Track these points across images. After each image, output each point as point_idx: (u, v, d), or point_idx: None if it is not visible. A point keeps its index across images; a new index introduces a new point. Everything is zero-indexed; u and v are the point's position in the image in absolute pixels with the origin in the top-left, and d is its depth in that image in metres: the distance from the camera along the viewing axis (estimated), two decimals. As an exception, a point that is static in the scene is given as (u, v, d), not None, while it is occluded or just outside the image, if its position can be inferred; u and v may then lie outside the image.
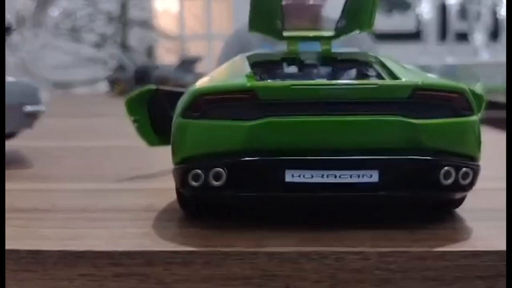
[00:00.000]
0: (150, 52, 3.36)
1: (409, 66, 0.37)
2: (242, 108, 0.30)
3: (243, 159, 0.29)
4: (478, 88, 1.15)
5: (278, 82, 0.31)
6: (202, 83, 0.33)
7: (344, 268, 0.28)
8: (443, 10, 1.68)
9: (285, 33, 0.40)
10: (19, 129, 0.53)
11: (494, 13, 1.52)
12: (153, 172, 0.48)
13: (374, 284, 0.28)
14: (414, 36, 3.63)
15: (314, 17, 1.92)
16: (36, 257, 0.29)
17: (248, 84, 0.30)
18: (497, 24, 1.53)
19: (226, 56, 2.18)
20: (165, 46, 3.57)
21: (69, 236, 0.31)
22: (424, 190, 0.30)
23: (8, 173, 0.49)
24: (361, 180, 0.29)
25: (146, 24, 3.35)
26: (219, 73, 0.36)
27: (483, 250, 0.28)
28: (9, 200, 0.40)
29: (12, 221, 0.35)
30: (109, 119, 0.99)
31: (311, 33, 0.41)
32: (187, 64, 1.71)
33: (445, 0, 1.56)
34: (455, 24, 1.58)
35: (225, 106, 0.30)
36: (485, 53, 1.47)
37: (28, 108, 0.53)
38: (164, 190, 0.41)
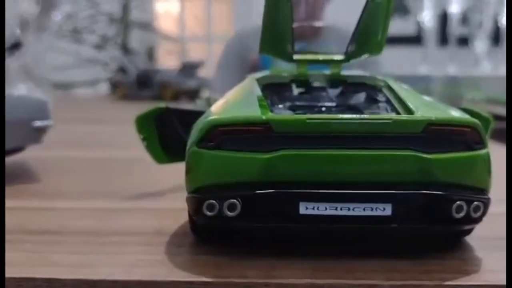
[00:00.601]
0: (150, 53, 3.37)
1: (415, 92, 0.37)
2: (257, 140, 0.30)
3: (258, 191, 0.29)
4: (480, 95, 1.15)
5: (294, 116, 0.32)
6: (216, 111, 0.33)
7: (357, 300, 0.28)
8: (444, 18, 1.69)
9: (295, 56, 0.41)
10: (27, 144, 0.54)
11: (496, 22, 1.52)
12: (161, 189, 0.49)
13: (386, 317, 0.28)
14: (415, 40, 3.64)
15: (313, 35, 1.98)
16: (52, 286, 0.29)
17: (264, 117, 0.30)
18: (499, 33, 1.53)
19: (226, 57, 2.19)
20: (166, 48, 3.57)
21: (81, 262, 0.32)
22: (436, 223, 0.30)
23: (15, 188, 0.50)
24: (374, 213, 0.29)
25: (147, 26, 3.35)
26: (232, 98, 0.37)
27: (492, 284, 0.29)
28: (19, 220, 0.40)
29: (23, 245, 0.35)
30: (114, 126, 0.99)
31: (321, 57, 0.42)
32: (189, 69, 1.71)
33: (447, 9, 1.56)
34: (457, 30, 1.58)
35: (240, 137, 0.30)
36: (486, 62, 1.48)
37: (37, 123, 0.53)
38: (173, 211, 0.41)
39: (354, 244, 0.33)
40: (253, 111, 0.31)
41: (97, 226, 0.39)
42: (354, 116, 0.31)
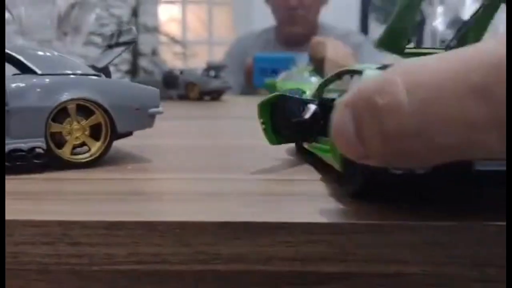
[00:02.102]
0: (156, 56, 3.43)
1: None
2: None
3: None
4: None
5: None
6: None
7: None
8: (457, 24, 1.78)
9: (406, 50, 0.49)
10: (143, 128, 0.61)
11: None
12: (268, 167, 0.56)
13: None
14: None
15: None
16: (246, 229, 0.37)
17: None
18: None
19: (228, 60, 2.31)
20: (171, 50, 3.64)
21: (257, 211, 0.39)
22: None
23: (143, 166, 0.57)
24: None
25: (154, 29, 3.42)
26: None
27: None
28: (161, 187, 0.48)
29: (184, 203, 0.42)
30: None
31: (426, 50, 0.50)
32: (213, 71, 1.78)
33: (461, 15, 1.65)
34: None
35: None
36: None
37: (152, 110, 0.60)
38: (297, 181, 0.49)
39: None
40: None
41: (247, 190, 0.46)
42: None
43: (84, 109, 0.57)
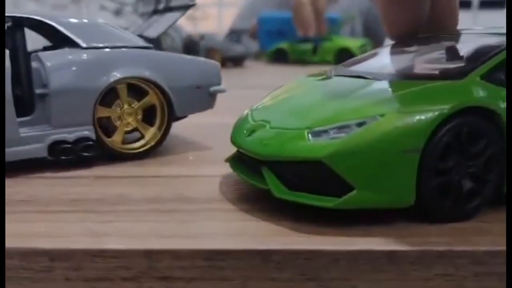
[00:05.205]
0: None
1: None
2: None
3: None
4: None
5: None
6: None
7: None
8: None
9: None
10: (202, 110, 0.51)
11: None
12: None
13: None
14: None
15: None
16: (391, 258, 0.28)
17: None
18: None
19: (242, 19, 2.19)
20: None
21: (392, 233, 0.30)
22: None
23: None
24: None
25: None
26: None
27: None
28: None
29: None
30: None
31: None
32: (236, 35, 1.68)
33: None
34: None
35: None
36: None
37: (214, 88, 0.51)
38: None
39: None
40: None
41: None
42: None
43: (135, 88, 0.47)
